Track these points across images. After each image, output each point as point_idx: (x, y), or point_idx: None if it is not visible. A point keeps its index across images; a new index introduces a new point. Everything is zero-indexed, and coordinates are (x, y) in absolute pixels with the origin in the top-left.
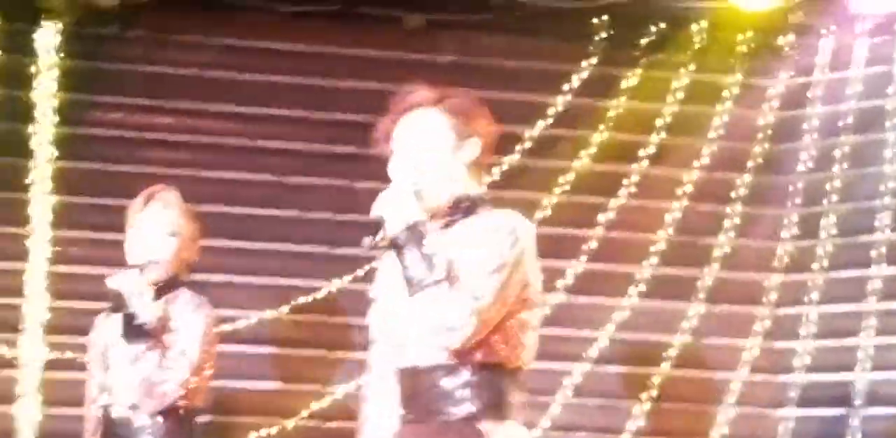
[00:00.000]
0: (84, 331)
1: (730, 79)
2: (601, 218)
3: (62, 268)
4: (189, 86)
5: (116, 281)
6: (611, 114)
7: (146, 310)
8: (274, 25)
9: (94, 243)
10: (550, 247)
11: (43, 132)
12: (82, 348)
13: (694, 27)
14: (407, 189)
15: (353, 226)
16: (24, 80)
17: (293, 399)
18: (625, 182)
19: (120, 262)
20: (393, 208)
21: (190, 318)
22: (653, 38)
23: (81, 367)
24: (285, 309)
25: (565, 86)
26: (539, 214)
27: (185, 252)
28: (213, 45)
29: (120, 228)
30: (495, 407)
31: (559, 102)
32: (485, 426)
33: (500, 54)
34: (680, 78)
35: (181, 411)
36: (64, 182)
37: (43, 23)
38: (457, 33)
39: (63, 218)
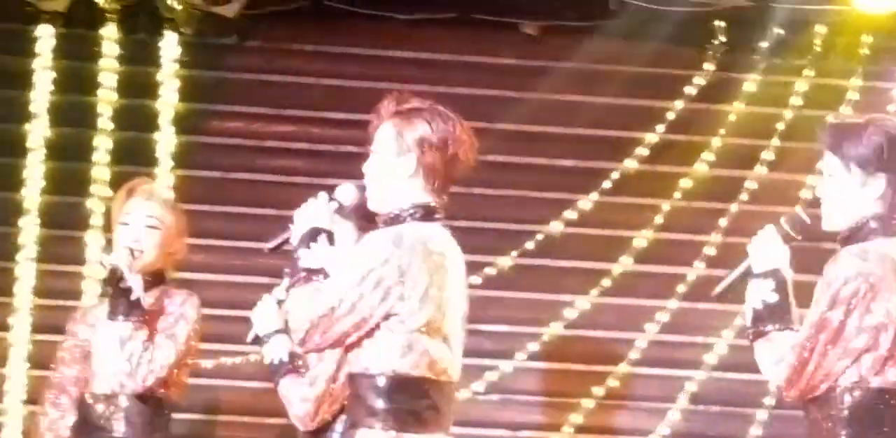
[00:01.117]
0: (211, 336)
1: (850, 83)
2: (720, 223)
3: (183, 275)
4: (307, 95)
5: (113, 257)
6: (729, 119)
7: (140, 287)
8: (390, 33)
9: (212, 250)
10: (668, 253)
11: (164, 141)
12: (212, 354)
13: (813, 31)
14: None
15: (469, 233)
16: (146, 90)
17: None
18: (743, 187)
19: (240, 269)
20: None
21: (182, 307)
22: (772, 42)
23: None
24: None
25: (683, 92)
26: (658, 219)
27: (168, 246)
28: (331, 53)
29: (240, 236)
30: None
31: (677, 107)
32: None
33: (617, 60)
34: (799, 82)
35: (160, 400)
36: (184, 190)
37: (164, 33)
38: (573, 39)
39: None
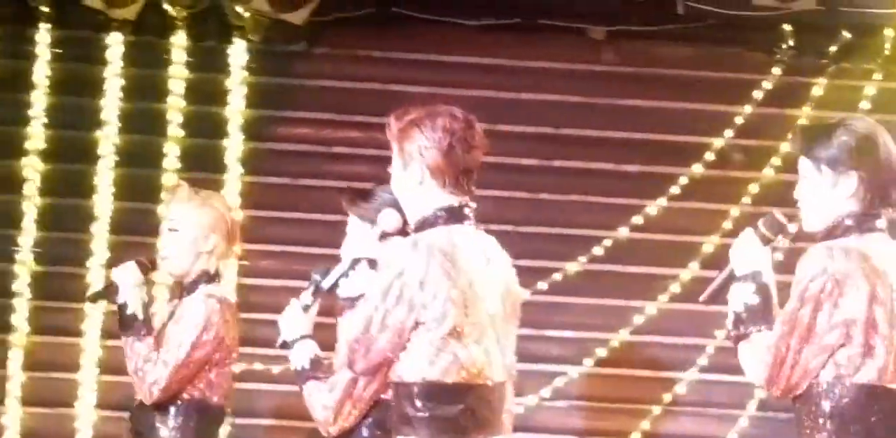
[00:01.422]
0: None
1: None
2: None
3: (251, 281)
4: (374, 101)
5: (116, 272)
6: (798, 123)
7: (137, 302)
8: (456, 39)
9: (281, 256)
10: None
11: (232, 148)
12: (273, 359)
13: (882, 34)
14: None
15: (536, 238)
16: (214, 97)
17: None
18: None
19: (308, 276)
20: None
21: (190, 313)
22: (840, 45)
23: (270, 378)
24: None
25: (751, 96)
26: (726, 224)
27: (196, 246)
28: (397, 59)
29: (307, 242)
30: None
31: (745, 112)
32: None
33: (685, 64)
34: (868, 86)
35: (196, 404)
36: (252, 196)
37: (233, 40)
38: (640, 44)
39: (251, 232)
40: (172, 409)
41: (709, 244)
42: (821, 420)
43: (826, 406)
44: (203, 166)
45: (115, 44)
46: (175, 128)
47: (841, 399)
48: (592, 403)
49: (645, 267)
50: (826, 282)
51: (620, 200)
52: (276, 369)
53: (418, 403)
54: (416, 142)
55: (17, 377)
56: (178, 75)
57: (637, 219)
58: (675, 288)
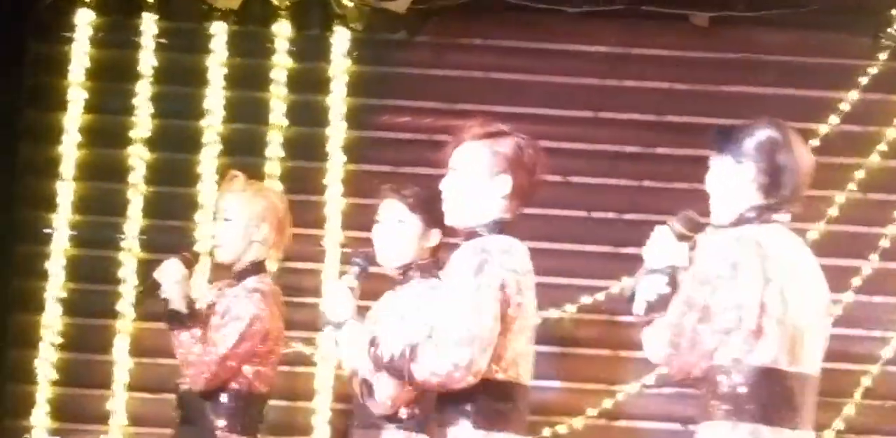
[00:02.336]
0: None
1: None
2: (895, 215)
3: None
4: (476, 89)
5: (161, 267)
6: None
7: (179, 298)
8: (558, 26)
9: None
10: (843, 246)
11: (335, 136)
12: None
13: None
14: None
15: (639, 225)
16: (317, 85)
17: (580, 398)
18: None
19: None
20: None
21: (237, 306)
22: None
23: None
24: (572, 308)
25: (857, 82)
26: (832, 211)
27: (248, 235)
28: (499, 47)
29: None
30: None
31: (850, 98)
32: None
33: (788, 50)
34: None
35: (244, 393)
36: (355, 184)
37: (335, 29)
38: (743, 30)
39: (355, 220)
40: (222, 397)
41: (814, 231)
42: (718, 401)
43: (724, 387)
44: (305, 154)
45: (218, 33)
46: (278, 117)
47: (737, 380)
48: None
49: None
50: (722, 267)
51: None
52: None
53: (475, 397)
54: (514, 157)
55: (123, 362)
56: (280, 64)
57: None
58: None
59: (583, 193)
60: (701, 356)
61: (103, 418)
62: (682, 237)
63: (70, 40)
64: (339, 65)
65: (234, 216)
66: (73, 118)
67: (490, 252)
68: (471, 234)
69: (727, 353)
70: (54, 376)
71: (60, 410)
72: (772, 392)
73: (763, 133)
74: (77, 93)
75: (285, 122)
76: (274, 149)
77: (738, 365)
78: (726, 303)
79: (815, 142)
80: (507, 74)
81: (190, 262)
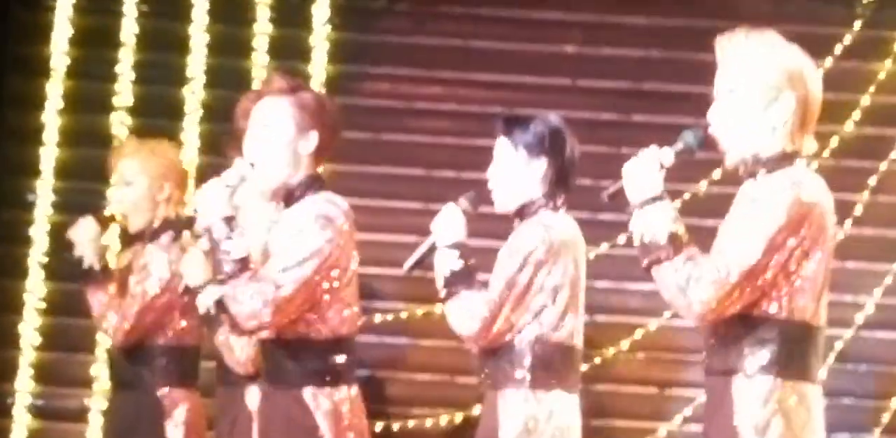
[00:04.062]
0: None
1: None
2: (868, 182)
3: None
4: (454, 57)
5: (71, 229)
6: (878, 78)
7: (92, 255)
8: None
9: (362, 210)
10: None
11: None
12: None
13: None
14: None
15: (617, 192)
16: (298, 53)
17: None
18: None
19: (390, 228)
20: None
21: (153, 261)
22: None
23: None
24: None
25: (831, 50)
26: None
27: (152, 195)
28: (478, 15)
29: (390, 196)
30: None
31: (825, 66)
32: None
33: (763, 18)
34: None
35: (174, 348)
36: (336, 151)
37: None
38: None
39: (334, 186)
40: (154, 352)
41: None
42: (520, 371)
43: (528, 359)
44: None
45: (200, 1)
46: (259, 84)
47: (541, 354)
48: (671, 354)
49: None
50: (546, 251)
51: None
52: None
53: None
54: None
55: None
56: (262, 31)
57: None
58: None
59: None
60: (509, 331)
61: (87, 382)
62: (467, 213)
63: (53, 7)
64: (320, 32)
65: (134, 179)
66: (56, 85)
67: None
68: (523, 212)
69: (535, 329)
70: (38, 341)
71: (44, 375)
72: (568, 365)
73: (552, 126)
74: (60, 59)
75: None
76: None
77: (542, 340)
78: (546, 285)
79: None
80: (487, 42)
81: (105, 223)
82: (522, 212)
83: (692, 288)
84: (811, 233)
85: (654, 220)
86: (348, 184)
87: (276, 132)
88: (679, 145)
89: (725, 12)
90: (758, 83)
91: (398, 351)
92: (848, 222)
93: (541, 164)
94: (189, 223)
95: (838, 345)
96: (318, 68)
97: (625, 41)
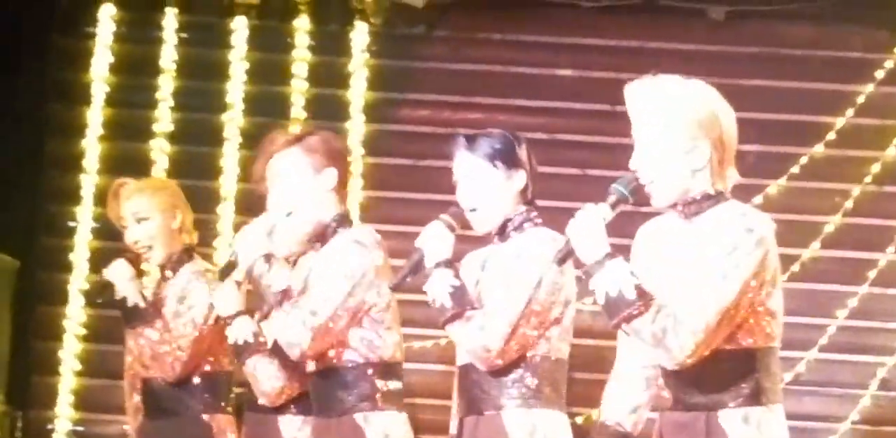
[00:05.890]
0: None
1: None
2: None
3: None
4: (494, 83)
5: (107, 271)
6: None
7: (135, 293)
8: (576, 21)
9: (401, 236)
10: (859, 239)
11: (355, 130)
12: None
13: None
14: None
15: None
16: (337, 80)
17: None
18: None
19: None
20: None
21: (189, 291)
22: None
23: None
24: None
25: (873, 75)
26: (848, 204)
27: (168, 227)
28: (516, 41)
29: (428, 223)
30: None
31: (866, 91)
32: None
33: (804, 44)
34: None
35: (212, 374)
36: (374, 177)
37: (355, 24)
38: (759, 23)
39: (373, 212)
40: (195, 380)
41: (830, 224)
42: (525, 389)
43: (537, 376)
44: None
45: (239, 28)
46: (298, 111)
47: (547, 370)
48: None
49: None
50: (543, 267)
51: (741, 180)
52: None
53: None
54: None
55: None
56: (301, 58)
57: (757, 199)
58: (795, 267)
59: (600, 186)
60: (522, 349)
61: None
62: (452, 229)
63: (93, 35)
64: (359, 59)
65: (149, 215)
66: (96, 112)
67: None
68: (503, 229)
69: (544, 346)
70: (78, 367)
71: (84, 401)
72: (563, 379)
73: (518, 137)
74: (100, 87)
75: (305, 116)
76: None
77: (549, 356)
78: (557, 301)
79: (832, 136)
80: (525, 68)
81: (135, 262)
82: (504, 229)
83: (670, 338)
84: (772, 269)
85: (615, 277)
86: (388, 210)
87: (296, 180)
88: (612, 197)
89: (766, 39)
90: (672, 135)
91: (435, 378)
92: (891, 249)
93: (520, 176)
94: (229, 267)
95: (881, 373)
96: (357, 95)
97: (665, 68)
